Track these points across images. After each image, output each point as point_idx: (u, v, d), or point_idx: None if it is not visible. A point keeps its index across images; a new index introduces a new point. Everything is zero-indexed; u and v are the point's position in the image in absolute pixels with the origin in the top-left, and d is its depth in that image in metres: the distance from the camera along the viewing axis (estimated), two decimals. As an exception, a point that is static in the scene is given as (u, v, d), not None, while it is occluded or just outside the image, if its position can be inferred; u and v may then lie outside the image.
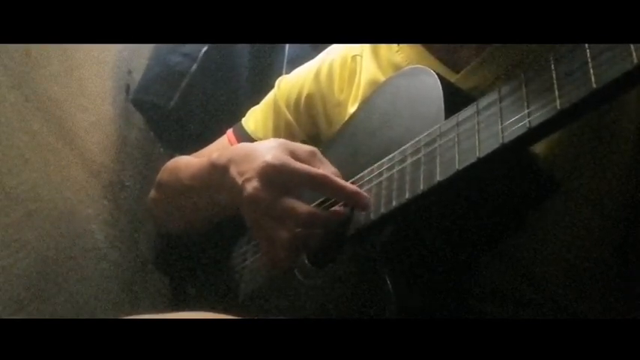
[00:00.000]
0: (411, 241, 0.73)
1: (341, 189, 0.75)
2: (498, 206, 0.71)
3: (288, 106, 0.99)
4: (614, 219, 0.76)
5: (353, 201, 0.75)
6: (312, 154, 0.80)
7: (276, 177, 0.76)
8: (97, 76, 1.18)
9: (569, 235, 0.76)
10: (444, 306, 0.73)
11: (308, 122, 0.97)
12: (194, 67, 1.26)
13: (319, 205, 0.81)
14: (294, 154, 0.78)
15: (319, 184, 0.76)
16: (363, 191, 0.75)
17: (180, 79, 1.26)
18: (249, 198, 0.76)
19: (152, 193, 1.05)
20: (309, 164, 0.78)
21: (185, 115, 1.28)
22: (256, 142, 0.87)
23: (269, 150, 0.78)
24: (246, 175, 0.77)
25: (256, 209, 0.77)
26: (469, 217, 0.71)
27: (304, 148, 0.81)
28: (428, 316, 0.71)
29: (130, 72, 1.29)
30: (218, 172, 0.83)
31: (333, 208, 0.78)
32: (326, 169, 0.78)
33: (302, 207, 0.75)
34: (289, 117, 0.98)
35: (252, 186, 0.76)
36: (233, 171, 0.80)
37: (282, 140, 0.82)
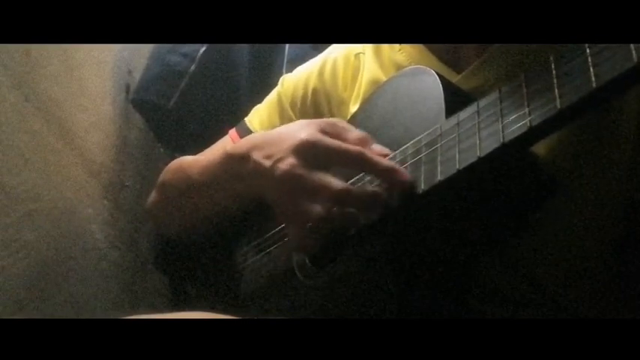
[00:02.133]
0: (411, 241, 0.73)
1: (377, 165, 0.72)
2: (499, 206, 0.71)
3: (292, 104, 0.98)
4: (614, 219, 0.76)
5: (390, 177, 0.72)
6: (337, 125, 0.78)
7: (311, 154, 0.74)
8: (97, 76, 1.18)
9: (569, 235, 0.76)
10: (444, 306, 0.73)
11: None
12: (193, 67, 1.26)
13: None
14: (323, 131, 0.76)
15: (356, 161, 0.73)
16: (399, 167, 0.72)
17: (180, 79, 1.26)
18: (282, 175, 0.74)
19: (152, 196, 1.04)
20: (338, 136, 0.76)
21: (184, 114, 1.28)
22: (275, 128, 0.84)
23: (301, 128, 0.77)
24: (278, 156, 0.75)
25: (290, 186, 0.74)
26: (469, 217, 0.71)
27: (328, 121, 0.78)
28: (428, 316, 0.71)
29: (130, 72, 1.30)
30: (237, 160, 0.82)
31: (371, 187, 0.75)
32: (354, 135, 0.76)
33: (338, 183, 0.72)
34: (292, 115, 0.98)
35: (286, 163, 0.74)
36: (257, 156, 0.78)
37: (306, 121, 0.80)
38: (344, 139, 0.76)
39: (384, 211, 0.72)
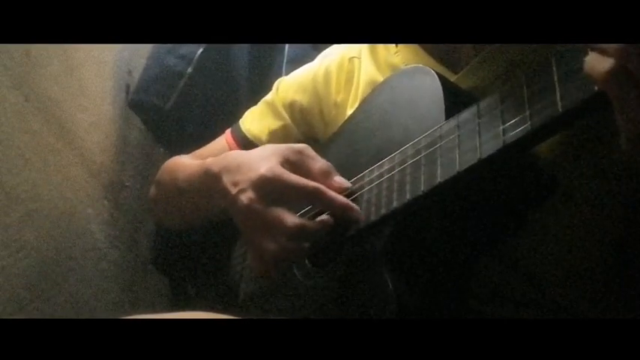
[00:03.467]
0: (411, 242, 0.73)
1: (331, 202, 0.77)
2: (499, 206, 0.71)
3: (285, 108, 0.99)
4: (614, 219, 0.76)
5: (343, 214, 0.77)
6: (302, 153, 0.81)
7: (269, 189, 0.78)
8: (97, 76, 1.18)
9: (569, 235, 0.76)
10: (444, 306, 0.73)
11: (305, 124, 0.97)
12: (190, 68, 1.26)
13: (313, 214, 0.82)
14: (287, 161, 0.80)
15: (311, 196, 0.78)
16: (353, 204, 0.76)
17: (178, 81, 1.26)
18: (242, 208, 0.78)
19: (152, 190, 1.06)
20: (301, 165, 0.80)
21: (183, 116, 1.28)
22: (249, 150, 0.88)
23: (263, 161, 0.80)
24: (241, 186, 0.79)
25: (249, 219, 0.79)
26: (469, 218, 0.71)
27: (294, 149, 0.82)
28: (428, 316, 0.71)
29: (130, 72, 1.30)
30: (210, 179, 0.85)
31: (319, 217, 0.79)
32: (317, 164, 0.80)
33: (291, 219, 0.77)
34: (287, 118, 0.98)
35: (246, 197, 0.78)
36: (226, 180, 0.82)
37: (273, 148, 0.83)
38: (307, 169, 0.80)
39: (383, 212, 0.72)
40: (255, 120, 1.02)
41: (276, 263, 0.78)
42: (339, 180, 0.80)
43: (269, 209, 0.77)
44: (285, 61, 1.28)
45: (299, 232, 0.77)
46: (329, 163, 0.81)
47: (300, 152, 0.81)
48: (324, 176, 0.80)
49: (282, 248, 0.77)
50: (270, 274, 0.80)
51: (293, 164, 0.80)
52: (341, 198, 0.77)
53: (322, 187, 0.78)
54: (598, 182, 0.75)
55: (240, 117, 1.05)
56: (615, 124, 0.74)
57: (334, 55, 0.97)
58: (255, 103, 1.06)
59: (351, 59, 0.94)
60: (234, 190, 0.80)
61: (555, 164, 0.74)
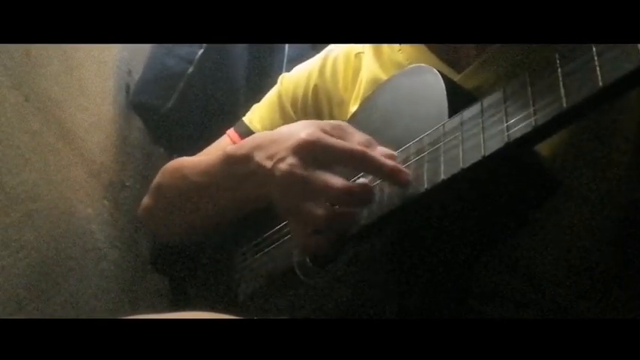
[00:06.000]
0: (411, 241, 0.73)
1: (379, 165, 0.71)
2: (499, 206, 0.70)
3: (292, 104, 0.98)
4: (614, 219, 0.76)
5: (392, 178, 0.70)
6: (341, 128, 0.76)
7: (311, 153, 0.73)
8: (97, 76, 1.18)
9: (569, 235, 0.76)
10: (444, 306, 0.73)
11: (312, 119, 0.95)
12: (191, 69, 1.26)
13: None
14: (326, 131, 0.75)
15: (356, 159, 0.72)
16: (403, 167, 0.70)
17: (177, 81, 1.26)
18: (283, 176, 0.73)
19: (146, 200, 1.01)
20: (342, 138, 0.74)
21: (182, 116, 1.28)
22: (280, 127, 0.83)
23: (302, 128, 0.76)
24: (279, 156, 0.75)
25: (291, 186, 0.73)
26: (470, 217, 0.71)
27: (332, 123, 0.77)
28: (428, 316, 0.71)
29: (130, 72, 1.30)
30: (239, 161, 0.81)
31: (361, 181, 0.74)
32: (357, 138, 0.75)
33: (338, 181, 0.71)
34: (292, 116, 0.98)
35: (286, 163, 0.73)
36: (259, 157, 0.77)
37: (309, 121, 0.79)
38: (348, 142, 0.74)
39: (385, 210, 0.72)
40: (263, 116, 1.00)
41: (326, 231, 0.73)
42: (382, 150, 0.73)
43: (313, 173, 0.72)
44: (285, 60, 1.29)
45: (348, 194, 0.71)
46: (370, 137, 0.75)
47: (339, 126, 0.76)
48: (367, 148, 0.73)
49: (332, 214, 0.71)
50: (319, 247, 0.74)
51: (333, 136, 0.74)
52: (390, 162, 0.71)
53: (369, 150, 0.72)
54: (598, 182, 0.75)
55: (240, 117, 1.05)
56: (615, 124, 0.75)
57: (340, 48, 0.96)
58: (253, 103, 1.05)
59: (357, 55, 0.94)
60: (270, 163, 0.75)
61: (555, 164, 0.74)
